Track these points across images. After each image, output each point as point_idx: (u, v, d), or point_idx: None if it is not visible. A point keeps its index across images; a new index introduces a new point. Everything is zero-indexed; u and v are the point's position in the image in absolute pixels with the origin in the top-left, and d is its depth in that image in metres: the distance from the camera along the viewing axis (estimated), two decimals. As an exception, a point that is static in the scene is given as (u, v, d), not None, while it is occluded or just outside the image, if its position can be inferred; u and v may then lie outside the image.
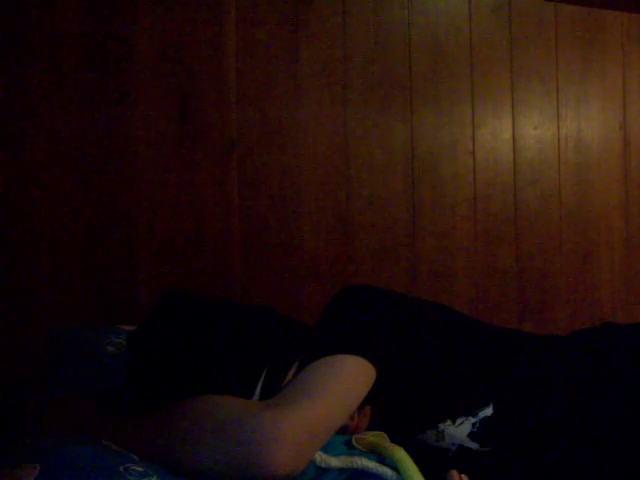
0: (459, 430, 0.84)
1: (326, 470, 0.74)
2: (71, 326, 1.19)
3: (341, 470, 0.74)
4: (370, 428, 0.89)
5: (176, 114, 1.42)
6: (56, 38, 1.33)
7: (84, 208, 1.35)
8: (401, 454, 0.74)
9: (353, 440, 0.81)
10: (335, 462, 0.74)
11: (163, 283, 1.39)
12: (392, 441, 0.80)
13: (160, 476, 0.66)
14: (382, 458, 0.77)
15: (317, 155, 1.55)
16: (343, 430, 0.85)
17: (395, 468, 0.74)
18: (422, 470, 0.73)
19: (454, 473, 0.75)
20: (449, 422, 0.84)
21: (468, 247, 1.70)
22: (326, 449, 0.75)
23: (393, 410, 0.89)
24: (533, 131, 1.79)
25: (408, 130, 1.64)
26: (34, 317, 1.30)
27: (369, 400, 0.82)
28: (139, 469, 0.65)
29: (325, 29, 1.56)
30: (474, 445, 0.83)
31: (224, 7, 1.47)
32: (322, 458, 0.74)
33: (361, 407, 0.87)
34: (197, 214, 1.43)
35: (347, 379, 0.76)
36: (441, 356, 0.88)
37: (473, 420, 0.83)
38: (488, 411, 0.83)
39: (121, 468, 0.64)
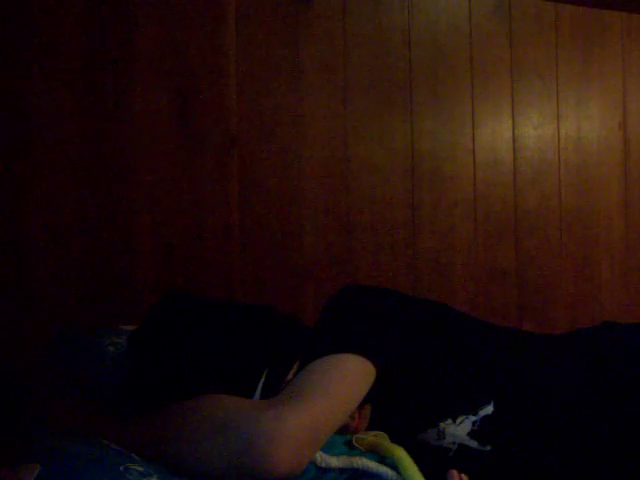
0: (460, 429, 0.84)
1: (326, 470, 0.74)
2: (71, 326, 1.19)
3: (341, 470, 0.74)
4: (370, 428, 0.89)
5: (176, 113, 1.42)
6: (56, 38, 1.33)
7: (84, 208, 1.35)
8: (401, 454, 0.74)
9: (353, 440, 0.81)
10: (335, 462, 0.74)
11: (163, 283, 1.39)
12: (392, 441, 0.80)
13: (160, 476, 0.66)
14: (382, 458, 0.77)
15: (317, 155, 1.55)
16: (344, 429, 0.85)
17: (395, 468, 0.74)
18: (422, 470, 0.73)
19: (454, 473, 0.75)
20: (450, 421, 0.84)
21: (468, 247, 1.70)
22: (326, 449, 0.75)
23: (394, 409, 0.89)
24: (533, 131, 1.79)
25: (408, 130, 1.64)
26: (34, 317, 1.29)
27: (369, 399, 0.82)
28: (139, 469, 0.65)
29: (325, 29, 1.56)
30: (474, 443, 0.83)
31: (224, 7, 1.47)
32: (322, 458, 0.74)
33: (361, 406, 0.87)
34: (197, 213, 1.43)
35: (347, 378, 0.76)
36: (441, 355, 0.88)
37: (474, 418, 0.84)
38: (489, 409, 0.83)
39: (121, 468, 0.64)
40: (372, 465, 0.74)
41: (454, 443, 0.84)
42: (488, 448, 0.83)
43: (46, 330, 1.21)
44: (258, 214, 1.49)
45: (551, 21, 1.81)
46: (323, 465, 0.74)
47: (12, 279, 1.29)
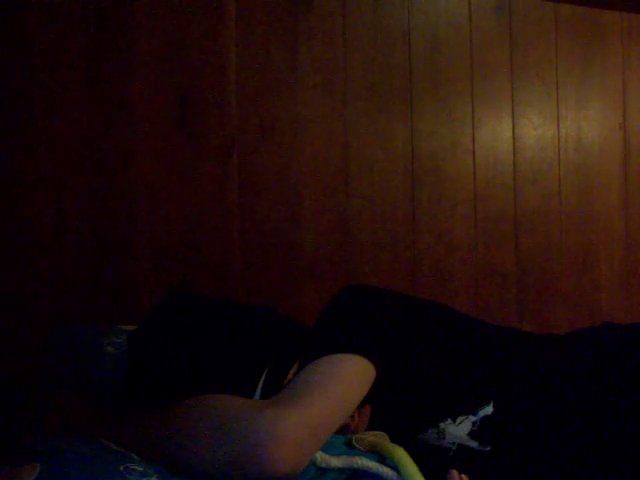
0: (460, 429, 0.84)
1: (326, 470, 0.74)
2: (71, 326, 1.19)
3: (341, 470, 0.74)
4: (370, 428, 0.89)
5: (176, 114, 1.42)
6: (56, 38, 1.33)
7: (84, 208, 1.35)
8: (401, 454, 0.74)
9: (353, 440, 0.81)
10: (335, 462, 0.74)
11: (163, 283, 1.39)
12: (392, 441, 0.80)
13: (160, 476, 0.66)
14: (382, 458, 0.77)
15: (317, 155, 1.55)
16: (343, 429, 0.85)
17: (395, 468, 0.74)
18: (422, 470, 0.73)
19: (454, 473, 0.75)
20: (449, 421, 0.84)
21: (468, 247, 1.70)
22: (326, 449, 0.75)
23: (393, 409, 0.89)
24: (533, 131, 1.79)
25: (408, 130, 1.64)
26: (34, 317, 1.30)
27: (369, 399, 0.82)
28: (139, 469, 0.66)
29: (325, 29, 1.56)
30: (474, 444, 0.83)
31: (224, 7, 1.47)
32: (322, 458, 0.74)
33: (361, 406, 0.87)
34: (197, 214, 1.43)
35: (347, 378, 0.76)
36: (441, 355, 0.88)
37: (473, 419, 0.84)
38: (488, 410, 0.84)
39: (121, 468, 0.64)
40: (372, 465, 0.74)
41: (454, 443, 0.84)
42: (488, 448, 0.83)
43: (46, 330, 1.21)
44: (258, 214, 1.49)
45: (551, 21, 1.81)
46: (323, 465, 0.74)
47: (12, 279, 1.29)
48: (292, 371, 0.86)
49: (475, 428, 0.83)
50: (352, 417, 0.87)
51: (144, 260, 1.39)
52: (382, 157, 1.61)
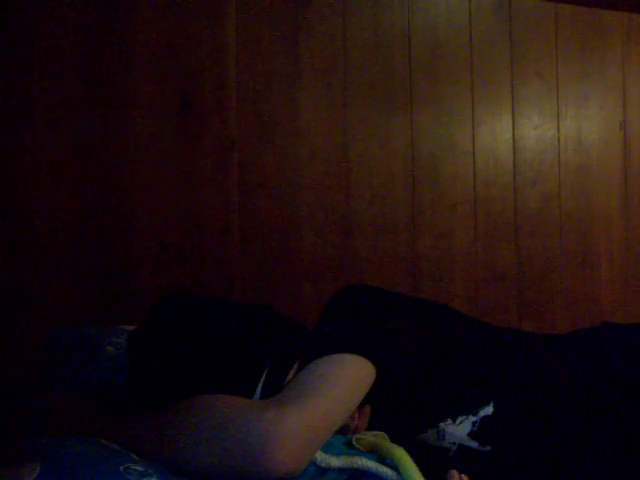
0: (459, 429, 0.84)
1: (326, 470, 0.74)
2: (71, 326, 1.19)
3: (341, 470, 0.74)
4: (370, 428, 0.89)
5: (176, 114, 1.42)
6: (56, 38, 1.33)
7: (84, 208, 1.35)
8: (401, 454, 0.74)
9: (353, 440, 0.81)
10: (335, 462, 0.74)
11: (163, 283, 1.39)
12: (392, 441, 0.80)
13: (160, 476, 0.66)
14: (382, 458, 0.77)
15: (317, 155, 1.55)
16: (343, 429, 0.85)
17: (395, 468, 0.74)
18: (422, 470, 0.73)
19: (454, 473, 0.75)
20: (449, 421, 0.84)
21: (468, 247, 1.70)
22: (326, 449, 0.75)
23: (393, 409, 0.89)
24: (533, 131, 1.79)
25: (408, 130, 1.64)
26: (34, 317, 1.30)
27: (369, 399, 0.82)
28: (139, 469, 0.66)
29: (325, 29, 1.56)
30: (474, 444, 0.83)
31: (224, 7, 1.47)
32: (322, 458, 0.74)
33: (361, 406, 0.87)
34: (197, 214, 1.43)
35: (347, 378, 0.76)
36: (441, 355, 0.88)
37: (473, 419, 0.84)
38: (488, 410, 0.83)
39: (121, 468, 0.64)
40: (372, 465, 0.74)
41: (454, 443, 0.84)
42: (488, 448, 0.83)
43: (46, 330, 1.21)
44: (258, 215, 1.49)
45: (551, 21, 1.81)
46: (323, 465, 0.73)
47: (12, 279, 1.29)
48: (292, 371, 0.86)
49: (475, 428, 0.83)
50: (352, 417, 0.87)
51: (144, 260, 1.39)
52: (382, 157, 1.61)
